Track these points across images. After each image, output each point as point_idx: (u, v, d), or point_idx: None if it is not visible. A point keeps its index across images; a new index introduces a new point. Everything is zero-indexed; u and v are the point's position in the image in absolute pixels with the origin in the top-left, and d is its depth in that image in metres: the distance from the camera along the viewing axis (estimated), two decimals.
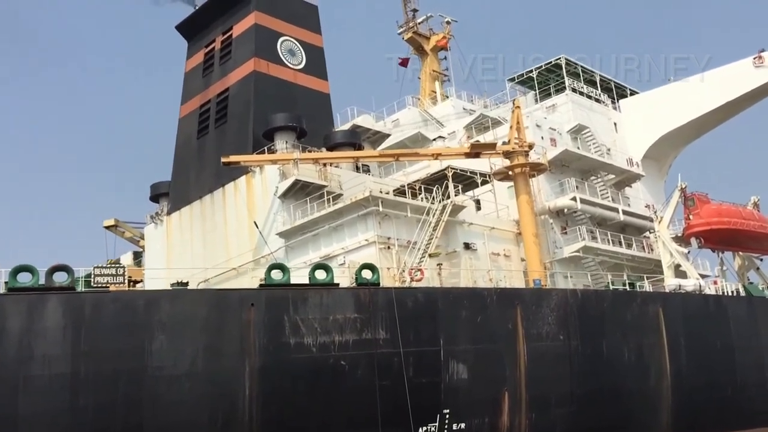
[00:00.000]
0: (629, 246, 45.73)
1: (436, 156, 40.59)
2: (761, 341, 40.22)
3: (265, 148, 40.62)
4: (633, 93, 56.22)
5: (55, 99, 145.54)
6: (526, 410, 31.35)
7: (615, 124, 53.07)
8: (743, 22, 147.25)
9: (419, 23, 64.28)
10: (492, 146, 40.31)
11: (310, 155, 38.75)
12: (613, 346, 34.15)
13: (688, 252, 42.55)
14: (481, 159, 41.20)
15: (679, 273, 42.36)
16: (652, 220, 44.85)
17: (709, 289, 40.55)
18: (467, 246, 37.42)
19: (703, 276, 49.09)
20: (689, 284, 38.85)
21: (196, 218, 44.34)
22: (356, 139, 43.80)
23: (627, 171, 48.74)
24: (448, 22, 64.29)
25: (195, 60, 49.74)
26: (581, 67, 52.55)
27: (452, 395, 29.98)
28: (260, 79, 44.06)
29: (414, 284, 31.55)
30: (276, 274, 28.81)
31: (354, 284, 30.06)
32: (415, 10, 64.62)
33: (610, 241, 44.28)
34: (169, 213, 46.55)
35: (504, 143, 41.51)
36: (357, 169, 45.14)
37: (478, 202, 44.24)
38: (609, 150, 50.62)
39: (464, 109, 55.02)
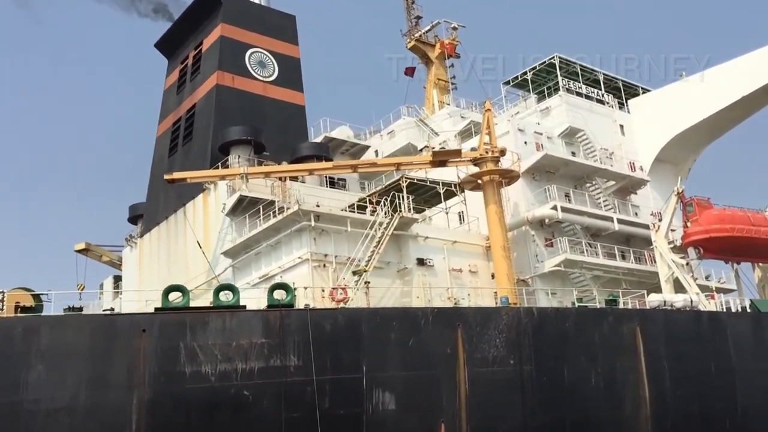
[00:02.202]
0: (626, 258, 41.59)
1: (397, 166, 37.76)
2: None
3: (219, 163, 38.78)
4: (646, 92, 51.75)
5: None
6: None
7: (621, 126, 48.73)
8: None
9: (426, 32, 61.68)
10: (457, 153, 37.20)
11: (258, 169, 36.58)
12: (577, 371, 30.30)
13: (686, 263, 37.93)
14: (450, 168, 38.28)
15: (682, 287, 38.00)
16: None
17: (707, 305, 36.04)
18: (421, 262, 34.32)
19: (724, 291, 44.42)
20: (678, 299, 34.50)
21: (162, 240, 42.85)
22: (323, 151, 41.38)
23: (627, 176, 44.49)
24: (454, 28, 61.48)
25: (172, 77, 48.64)
26: (580, 66, 48.60)
27: (376, 428, 26.91)
28: (223, 93, 42.34)
29: (339, 305, 28.72)
30: (174, 297, 26.63)
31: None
32: (418, 17, 62.09)
33: (601, 254, 40.19)
34: (141, 235, 45.31)
35: (473, 149, 38.47)
36: (332, 183, 42.84)
37: (459, 214, 41.24)
38: (612, 154, 46.50)
39: (462, 117, 51.93)
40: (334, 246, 32.68)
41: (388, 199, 34.00)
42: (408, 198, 34.53)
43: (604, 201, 43.06)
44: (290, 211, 32.13)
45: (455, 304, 34.10)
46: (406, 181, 35.27)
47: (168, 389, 25.20)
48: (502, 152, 37.32)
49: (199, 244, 35.91)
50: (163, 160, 45.80)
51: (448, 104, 55.78)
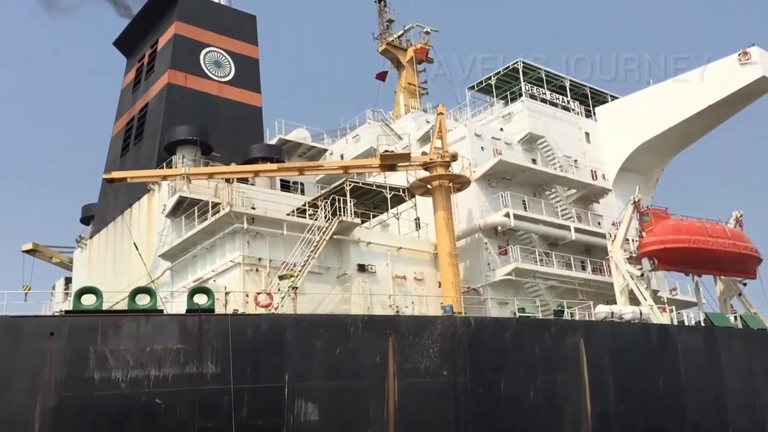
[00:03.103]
0: (584, 269, 40.55)
1: (345, 169, 36.74)
2: (723, 380, 34.12)
3: (164, 164, 37.79)
4: (615, 99, 50.76)
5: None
6: None
7: (587, 133, 47.75)
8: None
9: (399, 36, 60.83)
10: (406, 157, 36.21)
11: (200, 169, 35.59)
12: (514, 384, 29.17)
13: (641, 274, 36.81)
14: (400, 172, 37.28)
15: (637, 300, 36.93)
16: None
17: (659, 318, 34.97)
18: (362, 268, 33.27)
19: (686, 305, 43.39)
20: (627, 311, 33.41)
21: (110, 241, 41.82)
22: (274, 153, 40.39)
23: (589, 185, 43.47)
24: (427, 32, 60.62)
25: (129, 76, 47.80)
26: (545, 71, 47.66)
27: None
28: (174, 92, 41.42)
29: (261, 310, 27.65)
30: (87, 300, 25.56)
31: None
32: (390, 21, 61.29)
33: (557, 264, 39.14)
34: (91, 236, 44.28)
35: (424, 153, 37.48)
36: (286, 187, 41.85)
37: (417, 220, 40.20)
38: (575, 162, 45.53)
39: (427, 121, 50.95)
40: (269, 250, 31.64)
41: (328, 203, 32.91)
42: (350, 202, 33.46)
43: (562, 209, 42.05)
44: (222, 213, 31.08)
45: (397, 312, 33.05)
46: (350, 185, 34.22)
47: (74, 395, 24.10)
48: (453, 157, 36.30)
49: (135, 246, 34.87)
50: (116, 159, 44.86)
51: (415, 108, 54.88)
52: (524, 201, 41.21)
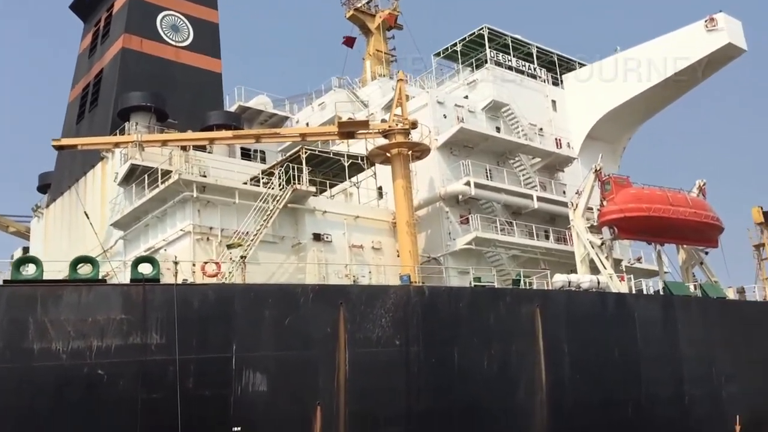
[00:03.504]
0: (548, 238, 40.36)
1: (303, 136, 36.03)
2: (680, 349, 34.12)
3: (117, 131, 36.85)
4: (582, 67, 50.13)
5: None
6: (344, 428, 26.56)
7: (554, 101, 47.23)
8: None
9: (368, 2, 59.62)
10: (364, 124, 35.53)
11: (153, 136, 34.71)
12: (468, 354, 28.91)
13: (601, 243, 36.60)
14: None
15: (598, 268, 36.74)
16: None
17: (619, 287, 34.83)
18: (318, 237, 32.75)
19: (651, 274, 43.34)
20: (585, 280, 33.22)
21: (65, 210, 40.93)
22: (232, 120, 39.51)
23: (553, 153, 43.04)
24: None
25: (86, 41, 46.44)
26: (512, 38, 46.90)
27: (245, 410, 25.45)
28: (129, 57, 40.27)
29: (209, 280, 27.08)
30: (28, 269, 24.87)
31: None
32: None
33: (518, 233, 38.85)
34: (47, 205, 43.34)
35: (383, 121, 36.84)
36: (247, 155, 41.13)
37: (380, 189, 39.73)
38: (541, 130, 45.06)
39: (393, 89, 50.02)
40: (221, 219, 30.98)
41: (283, 171, 32.25)
42: (306, 170, 32.81)
43: (526, 178, 41.66)
44: (171, 180, 30.33)
45: (354, 282, 32.61)
46: (305, 153, 33.53)
47: (13, 366, 23.54)
48: (413, 125, 35.68)
49: (86, 215, 34.05)
50: (72, 127, 43.76)
51: (383, 76, 53.98)
52: (487, 170, 40.76)
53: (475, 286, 31.01)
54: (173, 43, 42.30)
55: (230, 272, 28.29)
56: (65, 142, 34.60)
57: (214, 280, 27.38)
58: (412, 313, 28.39)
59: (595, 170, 37.43)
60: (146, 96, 37.17)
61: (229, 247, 28.75)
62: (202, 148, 37.63)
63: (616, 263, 38.36)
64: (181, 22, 43.09)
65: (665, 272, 43.66)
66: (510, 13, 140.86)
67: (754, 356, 36.63)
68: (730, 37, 42.65)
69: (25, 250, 46.81)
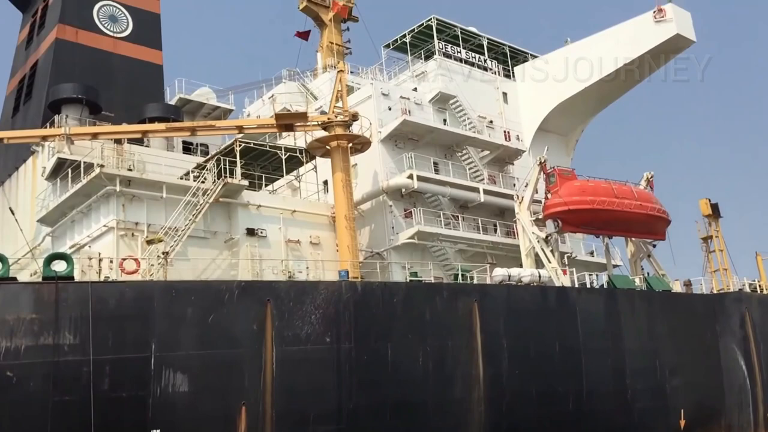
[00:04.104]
0: (496, 232, 39.78)
1: (241, 129, 35.05)
2: (623, 342, 33.67)
3: (48, 123, 35.64)
4: (535, 59, 49.62)
5: None
6: (271, 428, 25.73)
7: (504, 93, 46.63)
8: None
9: None
10: (303, 117, 34.63)
11: (82, 129, 33.53)
12: (402, 351, 28.19)
13: (545, 237, 36.06)
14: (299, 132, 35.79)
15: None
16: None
17: (563, 281, 34.31)
18: (251, 232, 31.83)
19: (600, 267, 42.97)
20: (525, 274, 32.64)
21: (0, 205, 39.59)
22: (171, 113, 38.44)
23: (501, 146, 42.41)
24: None
25: (24, 32, 45.12)
26: (461, 29, 46.21)
27: (165, 412, 24.52)
28: (63, 49, 39.14)
29: (126, 277, 26.08)
30: None
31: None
32: None
33: (463, 227, 38.22)
34: None
35: (322, 113, 35.98)
36: (188, 149, 40.11)
37: (325, 182, 38.87)
38: (490, 122, 44.44)
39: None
40: (147, 214, 29.94)
41: (215, 164, 31.29)
42: (239, 163, 31.89)
43: (474, 171, 41.02)
44: (93, 174, 29.24)
45: (290, 277, 31.76)
46: (240, 145, 32.59)
47: None
48: (354, 117, 34.87)
49: (11, 211, 32.82)
50: (8, 120, 42.45)
51: (335, 68, 53.02)
52: (435, 163, 40.08)
53: (410, 280, 30.28)
54: (111, 33, 41.19)
55: (154, 269, 27.28)
56: None
57: (135, 277, 26.42)
58: (344, 309, 27.61)
59: (540, 162, 36.87)
60: (77, 88, 35.98)
61: (148, 242, 27.74)
62: (139, 142, 36.50)
63: (563, 257, 37.77)
64: (120, 13, 41.93)
65: (618, 265, 43.54)
66: (467, 5, 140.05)
67: (700, 350, 36.33)
68: (679, 28, 42.28)
69: None
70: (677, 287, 38.85)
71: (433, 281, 31.46)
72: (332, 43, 56.80)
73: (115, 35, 41.19)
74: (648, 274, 40.06)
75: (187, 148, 40.34)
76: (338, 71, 35.65)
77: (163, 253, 27.00)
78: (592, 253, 45.82)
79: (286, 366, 26.24)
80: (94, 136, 33.74)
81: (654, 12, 42.73)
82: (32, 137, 33.82)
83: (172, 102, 41.49)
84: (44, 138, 33.61)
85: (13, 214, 32.70)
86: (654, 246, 40.38)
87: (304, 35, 59.23)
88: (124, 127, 34.29)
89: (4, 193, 39.00)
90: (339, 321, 27.40)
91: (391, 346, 28.08)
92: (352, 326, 27.53)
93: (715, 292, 39.71)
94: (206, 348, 25.51)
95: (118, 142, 34.73)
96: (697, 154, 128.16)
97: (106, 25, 41.02)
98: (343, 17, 57.81)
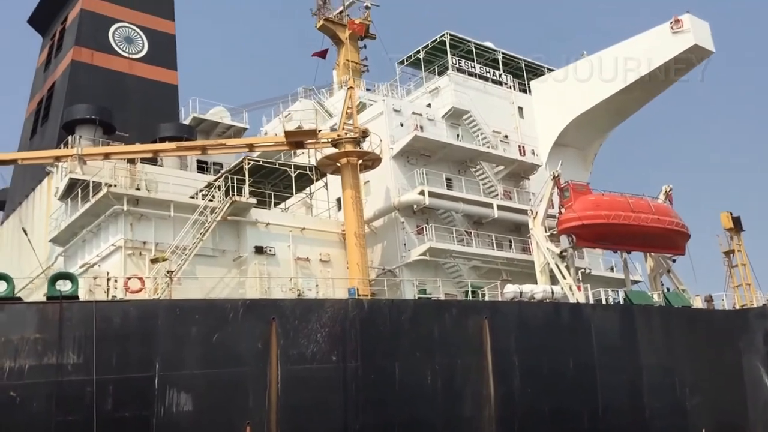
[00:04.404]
0: (512, 248, 39.22)
1: (251, 147, 35.14)
2: (639, 359, 32.87)
3: (62, 144, 36.05)
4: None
5: None
6: None
7: (520, 108, 46.19)
8: None
9: (340, 12, 58.86)
10: (312, 134, 34.58)
11: (94, 149, 33.84)
12: (410, 369, 27.80)
13: (560, 252, 35.44)
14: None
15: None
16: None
17: (577, 297, 33.66)
18: (260, 250, 31.73)
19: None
20: (538, 291, 32.08)
21: (16, 227, 40.07)
22: (184, 132, 38.68)
23: (516, 161, 41.93)
24: (367, 7, 58.66)
25: (44, 55, 45.90)
26: (475, 44, 45.97)
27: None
28: (79, 71, 39.61)
29: (131, 296, 26.08)
30: None
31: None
32: None
33: (476, 243, 37.77)
34: (2, 222, 42.56)
35: (332, 130, 35.94)
36: (203, 168, 40.33)
37: (338, 200, 38.73)
38: (506, 137, 44.04)
39: (359, 98, 49.20)
40: (155, 233, 30.01)
41: (222, 182, 31.33)
42: (248, 181, 31.89)
43: (488, 187, 40.61)
44: (100, 194, 29.43)
45: (299, 295, 31.56)
46: (249, 163, 32.62)
47: None
48: (364, 133, 34.77)
49: (24, 231, 33.23)
50: (27, 142, 43.09)
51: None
52: (448, 179, 39.75)
53: (418, 298, 29.92)
54: (126, 55, 41.62)
55: (161, 287, 27.27)
56: (3, 156, 33.75)
57: (141, 296, 26.44)
58: (350, 327, 27.34)
59: (554, 177, 36.36)
60: (91, 109, 36.37)
61: (153, 261, 27.78)
62: (153, 161, 36.76)
63: (579, 273, 37.04)
64: (136, 34, 42.41)
65: (639, 281, 42.61)
66: (484, 21, 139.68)
67: (722, 367, 35.30)
68: (696, 38, 41.61)
69: None
70: (698, 303, 37.87)
71: (442, 298, 30.99)
72: (349, 60, 57.05)
73: (130, 56, 41.64)
74: (668, 289, 39.18)
75: (201, 167, 40.54)
76: (348, 88, 35.61)
77: (168, 271, 26.99)
78: (612, 269, 45.01)
79: (292, 385, 26.02)
80: (106, 156, 34.07)
81: (671, 23, 42.12)
82: (46, 158, 34.22)
83: (186, 122, 41.74)
84: (57, 159, 34.01)
85: (26, 234, 33.04)
86: (674, 261, 39.44)
87: (321, 54, 59.53)
88: (135, 147, 34.54)
89: (21, 213, 39.51)
90: (345, 339, 27.13)
91: (398, 365, 27.71)
92: (358, 344, 27.25)
93: (737, 307, 38.62)
94: (210, 367, 25.38)
95: (131, 162, 35.08)
96: (720, 166, 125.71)
97: (121, 47, 41.51)
98: (359, 35, 58.05)
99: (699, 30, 42.24)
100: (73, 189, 33.32)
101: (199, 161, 40.57)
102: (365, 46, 59.47)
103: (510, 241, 40.37)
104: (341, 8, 58.68)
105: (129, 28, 42.25)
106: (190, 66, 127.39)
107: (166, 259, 27.49)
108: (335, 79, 53.76)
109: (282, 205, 37.97)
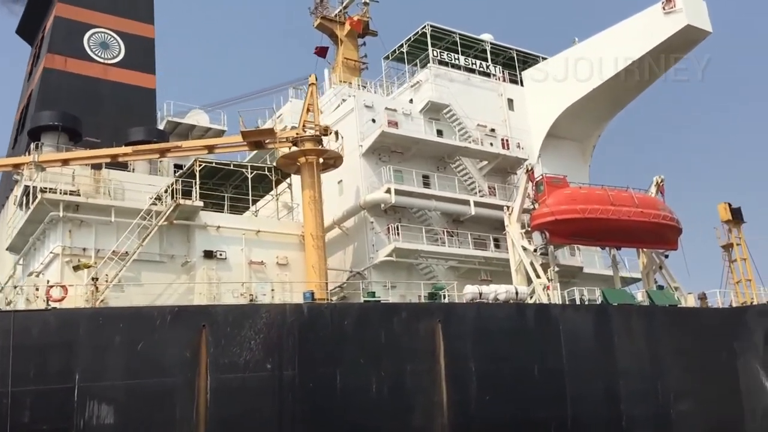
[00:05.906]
0: (499, 247, 37.36)
1: (209, 148, 34.18)
2: (616, 363, 30.67)
3: (26, 152, 35.80)
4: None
5: None
6: None
7: (510, 100, 44.16)
8: None
9: (340, 10, 57.74)
10: (270, 133, 33.47)
11: (50, 156, 33.23)
12: (353, 376, 26.40)
13: (534, 249, 33.45)
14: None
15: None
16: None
17: (550, 297, 31.66)
18: (209, 254, 30.74)
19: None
20: (501, 291, 30.21)
21: None
22: (155, 136, 37.97)
23: (499, 155, 39.99)
24: (366, 3, 57.35)
25: (30, 64, 46.07)
26: (460, 35, 44.13)
27: None
28: (51, 78, 39.53)
29: (54, 305, 25.33)
30: None
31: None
32: None
33: (448, 242, 36.06)
34: None
35: (293, 128, 34.79)
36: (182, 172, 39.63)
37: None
38: (493, 131, 42.12)
39: (350, 95, 47.91)
40: (96, 239, 29.32)
41: (173, 186, 30.47)
42: (197, 183, 30.99)
43: (469, 183, 38.84)
44: (36, 201, 28.90)
45: (251, 301, 30.49)
46: (200, 165, 31.72)
47: None
48: (325, 131, 33.51)
49: None
50: (10, 151, 43.25)
51: (345, 83, 51.86)
52: (425, 176, 38.14)
53: (365, 301, 28.48)
54: (101, 60, 41.33)
55: (85, 296, 26.45)
56: None
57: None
58: (287, 333, 26.12)
59: (527, 170, 34.39)
60: (54, 115, 35.97)
61: (75, 269, 27.06)
62: (123, 167, 36.20)
63: (548, 271, 34.86)
64: (112, 39, 42.10)
65: (638, 279, 40.17)
66: (486, 14, 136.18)
67: (713, 370, 32.72)
68: (690, 18, 38.99)
69: None
70: (691, 301, 35.32)
71: (390, 301, 29.48)
72: (347, 58, 55.84)
73: (105, 62, 41.33)
74: (661, 287, 36.74)
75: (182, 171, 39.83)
76: (310, 84, 34.40)
77: (93, 278, 26.23)
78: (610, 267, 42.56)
79: (222, 395, 24.94)
80: (65, 162, 33.52)
81: (663, 2, 39.58)
82: (4, 166, 34.01)
83: (161, 126, 41.20)
84: (15, 166, 33.69)
85: None
86: (666, 256, 36.93)
87: (322, 53, 58.55)
88: (93, 152, 33.92)
89: None
90: (282, 346, 25.92)
91: (340, 372, 26.33)
92: (296, 351, 26.00)
93: (736, 305, 35.88)
94: (134, 377, 24.49)
95: (96, 167, 34.55)
96: (719, 155, 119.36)
97: (96, 52, 41.23)
98: (358, 32, 56.80)
99: (693, 9, 39.60)
100: (29, 197, 32.98)
101: (176, 166, 39.93)
102: (365, 44, 58.34)
103: (495, 240, 38.52)
104: (340, 7, 57.62)
105: (105, 34, 41.96)
106: (175, 70, 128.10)
107: (89, 266, 26.73)
108: (328, 77, 52.59)
109: (253, 208, 36.99)
